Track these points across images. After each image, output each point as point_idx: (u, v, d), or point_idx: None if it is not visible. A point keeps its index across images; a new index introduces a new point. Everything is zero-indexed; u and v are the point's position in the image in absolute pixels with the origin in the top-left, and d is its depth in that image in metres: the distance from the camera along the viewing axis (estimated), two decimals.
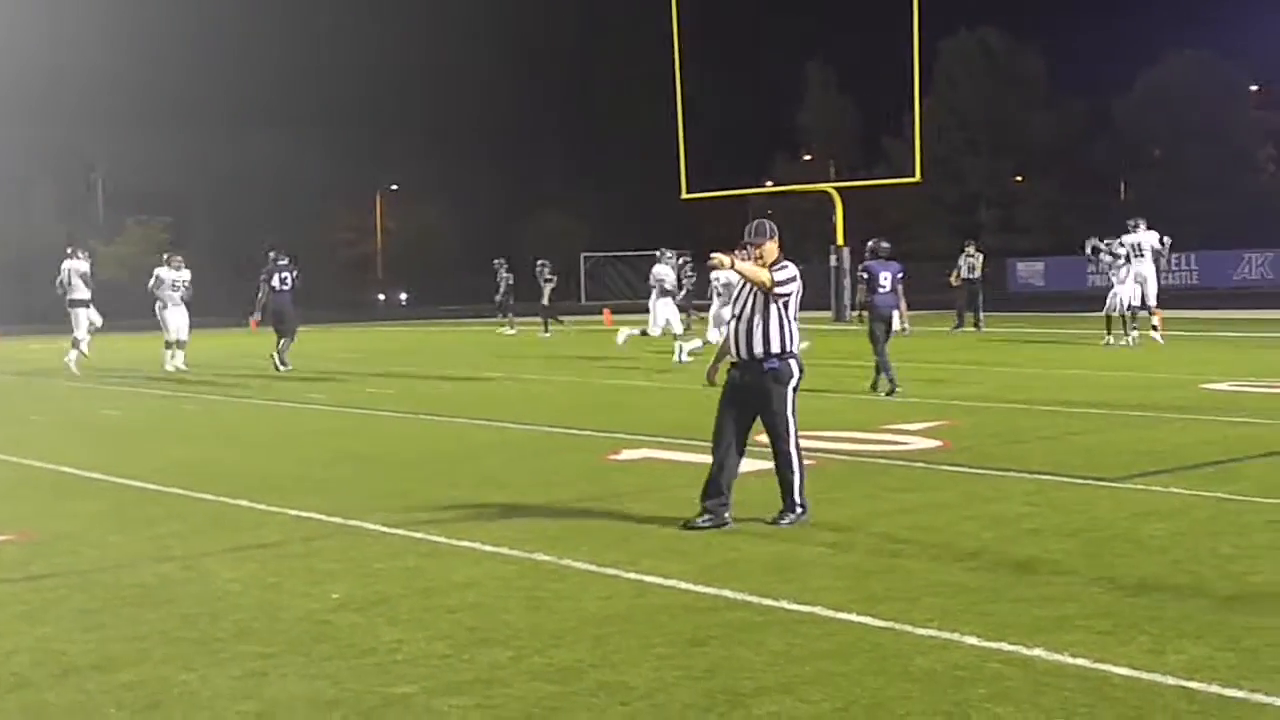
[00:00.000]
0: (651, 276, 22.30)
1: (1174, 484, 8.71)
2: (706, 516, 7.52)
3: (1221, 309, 33.18)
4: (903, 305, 15.29)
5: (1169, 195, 58.73)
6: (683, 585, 6.25)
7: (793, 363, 7.66)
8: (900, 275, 15.13)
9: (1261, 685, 4.61)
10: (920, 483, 9.04)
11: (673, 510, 8.05)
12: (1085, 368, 18.35)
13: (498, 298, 35.90)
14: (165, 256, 23.08)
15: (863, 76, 65.41)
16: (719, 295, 18.74)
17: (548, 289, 33.78)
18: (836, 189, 41.22)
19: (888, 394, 14.76)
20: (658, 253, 22.78)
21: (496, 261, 36.14)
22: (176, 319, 21.70)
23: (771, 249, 7.70)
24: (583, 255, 68.66)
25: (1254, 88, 64.18)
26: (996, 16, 66.31)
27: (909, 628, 5.43)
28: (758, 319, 7.63)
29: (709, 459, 7.68)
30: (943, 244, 59.92)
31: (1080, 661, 4.93)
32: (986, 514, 7.84)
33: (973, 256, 28.75)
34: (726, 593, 6.07)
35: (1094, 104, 65.58)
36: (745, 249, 7.79)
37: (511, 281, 35.26)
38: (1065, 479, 9.00)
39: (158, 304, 21.86)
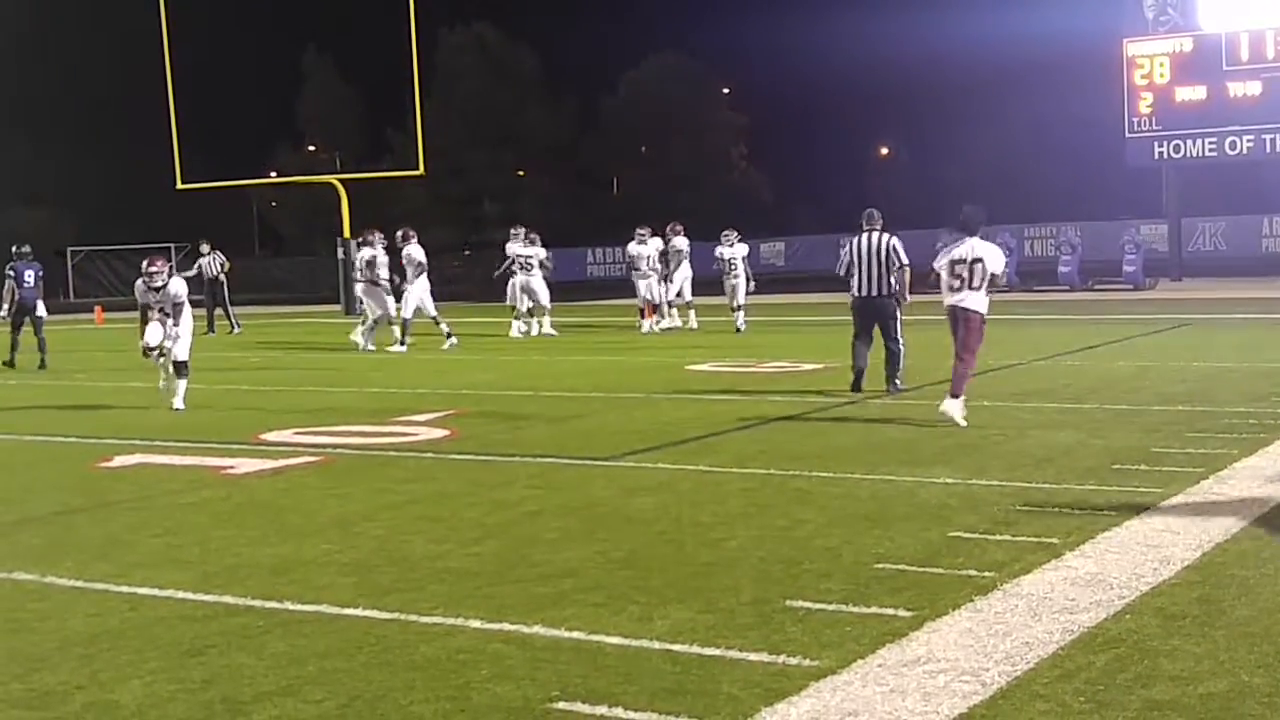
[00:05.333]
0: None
1: (661, 460, 9.32)
2: None
3: (705, 296, 35.63)
4: (41, 298, 19.02)
5: (656, 191, 62.54)
6: (180, 595, 5.99)
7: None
8: (40, 274, 19.09)
9: (736, 642, 5.03)
10: (427, 473, 9.14)
11: (170, 517, 7.69)
12: (583, 354, 19.24)
13: None
14: None
15: (364, 67, 64.99)
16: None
17: None
18: (341, 181, 40.73)
19: (6, 362, 18.56)
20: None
21: None
22: None
23: None
24: (70, 249, 63.73)
25: (725, 90, 69.40)
26: (491, 12, 67.77)
27: (414, 617, 5.49)
28: None
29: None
30: (451, 236, 60.76)
31: (576, 634, 5.19)
32: (490, 499, 8.06)
33: (207, 256, 26.83)
34: (227, 599, 5.89)
35: (584, 102, 68.56)
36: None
37: None
38: (564, 461, 9.41)
39: None
